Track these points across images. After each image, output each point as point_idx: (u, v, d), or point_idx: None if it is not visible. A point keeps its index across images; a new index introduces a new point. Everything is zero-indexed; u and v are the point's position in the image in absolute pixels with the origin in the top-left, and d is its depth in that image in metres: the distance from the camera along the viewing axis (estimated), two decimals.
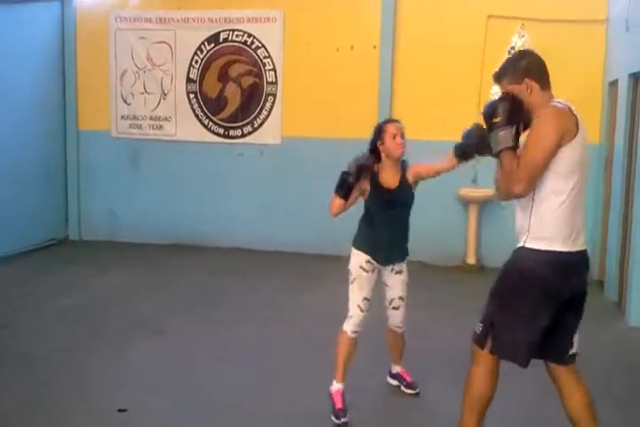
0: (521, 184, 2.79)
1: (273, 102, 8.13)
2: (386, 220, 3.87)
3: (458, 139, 3.54)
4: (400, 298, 3.97)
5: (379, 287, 3.96)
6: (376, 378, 4.31)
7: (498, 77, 3.02)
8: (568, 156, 2.79)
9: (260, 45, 8.10)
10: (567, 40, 7.17)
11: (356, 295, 3.83)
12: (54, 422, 3.76)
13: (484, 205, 7.56)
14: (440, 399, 4.04)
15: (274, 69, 8.10)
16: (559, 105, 2.85)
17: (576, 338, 3.03)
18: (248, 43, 8.14)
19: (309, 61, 7.99)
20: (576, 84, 6.64)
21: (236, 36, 8.16)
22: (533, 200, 2.86)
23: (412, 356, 4.28)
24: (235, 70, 8.24)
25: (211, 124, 8.36)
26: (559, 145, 2.77)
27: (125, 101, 8.56)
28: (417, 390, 4.15)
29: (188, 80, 8.36)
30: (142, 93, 8.49)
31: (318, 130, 8.00)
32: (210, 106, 8.33)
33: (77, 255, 8.07)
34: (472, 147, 3.39)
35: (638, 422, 3.89)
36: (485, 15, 7.40)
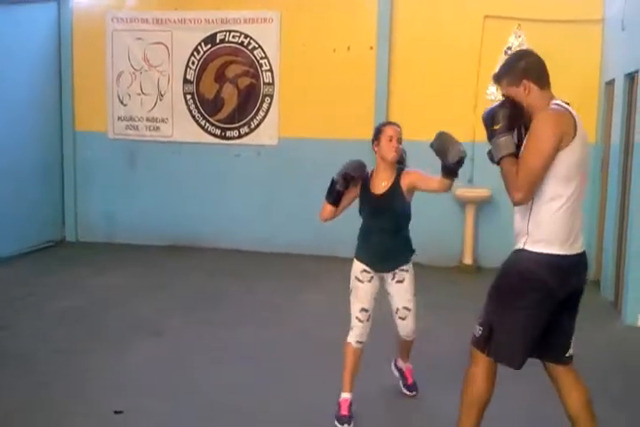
0: (520, 192, 2.79)
1: (270, 103, 8.13)
2: (376, 226, 3.81)
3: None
4: (405, 308, 3.84)
5: (383, 296, 3.90)
6: (376, 379, 4.31)
7: (497, 79, 3.03)
8: (567, 158, 2.79)
9: (256, 46, 8.11)
10: (563, 40, 7.18)
11: (354, 306, 3.80)
12: (53, 423, 3.76)
13: (480, 205, 7.57)
14: (440, 400, 4.03)
15: (270, 70, 8.10)
16: (557, 107, 2.85)
17: (572, 339, 3.04)
18: (245, 44, 8.14)
19: (306, 62, 7.99)
20: (572, 85, 6.65)
21: (233, 36, 8.16)
22: (533, 204, 2.86)
23: (410, 356, 4.26)
24: (231, 71, 8.24)
25: (207, 125, 8.35)
26: (558, 148, 2.77)
27: (122, 102, 8.55)
28: (414, 393, 4.13)
29: (185, 81, 8.36)
30: (139, 94, 8.49)
31: (315, 131, 8.00)
32: (207, 107, 8.33)
33: (75, 257, 8.06)
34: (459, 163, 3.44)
35: (635, 421, 3.90)
36: (482, 15, 7.41)
